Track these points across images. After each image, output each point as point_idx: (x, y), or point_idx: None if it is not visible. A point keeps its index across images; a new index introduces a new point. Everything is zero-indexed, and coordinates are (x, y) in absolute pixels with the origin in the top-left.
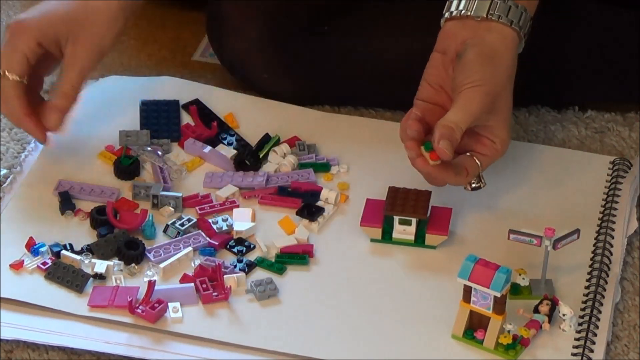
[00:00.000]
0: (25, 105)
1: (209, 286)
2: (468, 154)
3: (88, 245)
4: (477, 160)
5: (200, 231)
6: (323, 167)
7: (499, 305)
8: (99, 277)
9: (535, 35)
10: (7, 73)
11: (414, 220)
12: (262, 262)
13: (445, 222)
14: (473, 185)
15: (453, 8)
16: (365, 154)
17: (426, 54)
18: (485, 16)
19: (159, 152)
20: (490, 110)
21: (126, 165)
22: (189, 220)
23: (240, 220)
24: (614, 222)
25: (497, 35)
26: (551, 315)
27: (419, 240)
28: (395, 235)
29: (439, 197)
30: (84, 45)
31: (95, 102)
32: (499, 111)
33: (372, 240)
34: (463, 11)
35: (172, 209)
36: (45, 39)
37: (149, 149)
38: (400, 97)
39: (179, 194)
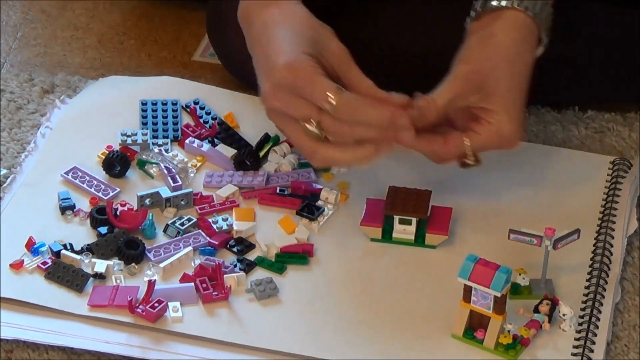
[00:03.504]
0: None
1: (209, 286)
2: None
3: (88, 245)
4: (465, 137)
5: (200, 231)
6: None
7: (499, 305)
8: (99, 276)
9: None
10: (330, 96)
11: (414, 220)
12: (262, 262)
13: (446, 222)
14: (463, 160)
15: (472, 8)
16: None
17: (442, 50)
18: (493, 6)
19: (164, 152)
20: (477, 89)
21: (113, 158)
22: (189, 219)
23: (240, 220)
24: (614, 222)
25: (500, 20)
26: (551, 315)
27: (419, 239)
28: (395, 234)
29: (439, 196)
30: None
31: (96, 102)
32: (494, 94)
33: (372, 239)
34: (478, 8)
35: (175, 209)
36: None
37: (156, 150)
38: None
39: (189, 190)
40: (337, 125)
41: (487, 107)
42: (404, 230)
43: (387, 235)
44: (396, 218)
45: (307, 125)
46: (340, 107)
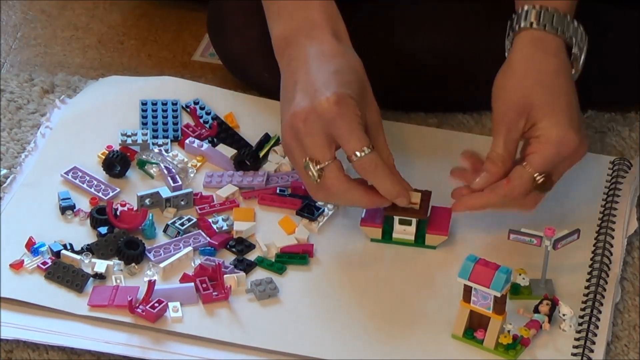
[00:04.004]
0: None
1: (209, 286)
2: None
3: (88, 245)
4: (525, 164)
5: (200, 231)
6: None
7: (499, 305)
8: (99, 276)
9: None
10: (363, 150)
11: (414, 220)
12: (262, 262)
13: (446, 222)
14: (534, 185)
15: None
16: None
17: (442, 51)
18: (511, 38)
19: (164, 152)
20: (519, 114)
21: (113, 158)
22: (189, 219)
23: (240, 220)
24: (614, 222)
25: (514, 45)
26: (551, 315)
27: (419, 240)
28: (395, 235)
29: (439, 197)
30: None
31: (96, 102)
32: (532, 109)
33: (372, 240)
34: (508, 47)
35: (175, 209)
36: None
37: (156, 150)
38: (403, 98)
39: (189, 190)
40: (335, 185)
41: (533, 121)
42: (404, 231)
43: (387, 236)
44: (396, 218)
45: (310, 165)
46: (364, 163)
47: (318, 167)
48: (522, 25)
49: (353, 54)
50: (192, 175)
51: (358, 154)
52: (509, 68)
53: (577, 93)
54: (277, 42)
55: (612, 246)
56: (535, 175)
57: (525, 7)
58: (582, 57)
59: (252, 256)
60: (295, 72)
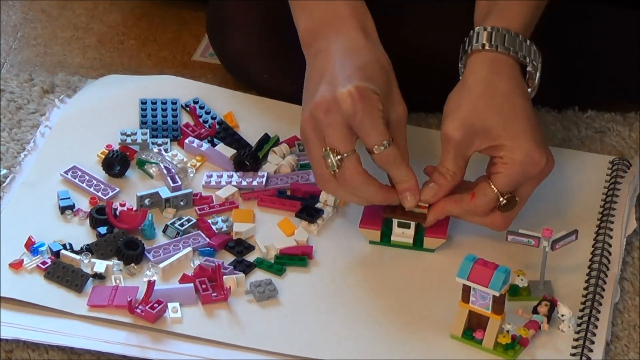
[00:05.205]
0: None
1: (209, 287)
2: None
3: (87, 245)
4: (490, 182)
5: (199, 231)
6: None
7: (498, 305)
8: (99, 276)
9: (535, 35)
10: (383, 144)
11: (412, 223)
12: (261, 263)
13: (444, 226)
14: (498, 204)
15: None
16: (365, 154)
17: (438, 53)
18: (463, 61)
19: (163, 152)
20: (473, 132)
21: (113, 158)
22: (188, 220)
23: (240, 221)
24: (612, 222)
25: (467, 68)
26: (550, 316)
27: (418, 243)
28: (394, 237)
29: None
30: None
31: (95, 101)
32: (490, 130)
33: (371, 242)
34: (461, 70)
35: (175, 209)
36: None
37: (155, 150)
38: (403, 98)
39: (189, 190)
40: (352, 176)
41: (492, 144)
42: (403, 234)
43: (385, 238)
44: (395, 221)
45: (331, 154)
46: (384, 157)
47: (338, 157)
48: (474, 47)
49: (381, 49)
50: (191, 175)
51: (378, 147)
52: (464, 88)
53: (534, 111)
54: (303, 36)
55: (610, 246)
56: (499, 196)
57: (477, 29)
58: (538, 74)
59: (251, 257)
60: (321, 65)
